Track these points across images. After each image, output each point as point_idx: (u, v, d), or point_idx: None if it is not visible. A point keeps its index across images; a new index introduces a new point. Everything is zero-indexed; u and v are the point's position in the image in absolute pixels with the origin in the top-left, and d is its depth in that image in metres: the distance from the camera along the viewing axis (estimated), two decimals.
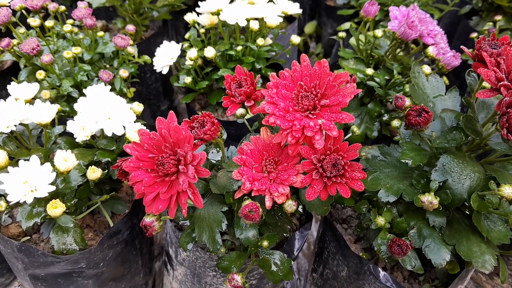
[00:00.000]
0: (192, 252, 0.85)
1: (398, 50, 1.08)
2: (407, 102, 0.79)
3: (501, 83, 0.66)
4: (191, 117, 0.66)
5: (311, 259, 1.17)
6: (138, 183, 0.63)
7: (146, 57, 1.23)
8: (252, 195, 0.68)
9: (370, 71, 0.99)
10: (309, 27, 1.82)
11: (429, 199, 0.68)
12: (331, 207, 1.02)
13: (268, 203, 0.68)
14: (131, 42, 1.15)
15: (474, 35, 1.33)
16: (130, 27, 1.17)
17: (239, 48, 1.08)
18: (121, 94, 1.07)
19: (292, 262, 0.80)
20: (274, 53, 1.21)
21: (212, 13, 1.09)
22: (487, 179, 0.78)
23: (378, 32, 1.00)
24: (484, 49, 0.73)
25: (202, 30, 1.15)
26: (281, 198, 0.68)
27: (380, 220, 0.79)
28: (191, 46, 1.18)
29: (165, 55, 1.14)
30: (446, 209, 0.81)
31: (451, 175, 0.75)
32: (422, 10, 1.47)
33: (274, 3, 1.15)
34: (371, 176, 0.80)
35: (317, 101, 0.67)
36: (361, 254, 0.89)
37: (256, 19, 1.09)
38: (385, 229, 0.81)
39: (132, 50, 1.12)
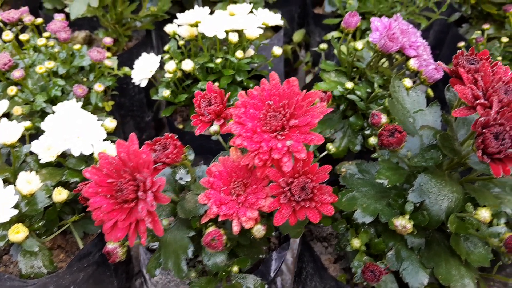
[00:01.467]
0: (164, 275, 0.82)
1: (383, 60, 1.06)
2: (383, 119, 0.76)
3: (478, 101, 0.64)
4: (153, 139, 0.63)
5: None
6: (97, 209, 0.61)
7: (127, 69, 1.21)
8: (219, 220, 0.65)
9: (349, 84, 0.97)
10: (298, 36, 1.80)
11: (403, 223, 0.65)
12: (312, 225, 0.99)
13: (235, 228, 0.65)
14: (108, 54, 1.13)
15: (461, 44, 1.31)
16: (108, 40, 1.14)
17: (219, 60, 1.05)
18: (97, 108, 1.05)
19: (266, 286, 0.78)
20: (256, 64, 1.18)
21: (191, 25, 1.07)
22: (466, 199, 0.75)
23: (359, 44, 0.97)
24: (461, 64, 0.70)
25: (181, 42, 1.12)
26: (249, 223, 0.65)
27: (356, 243, 0.76)
28: (171, 58, 1.16)
29: (144, 68, 1.12)
30: (425, 229, 0.78)
31: (429, 196, 0.72)
32: (410, 18, 1.44)
33: (254, 14, 1.12)
34: (347, 196, 0.78)
35: (285, 122, 0.64)
36: (340, 274, 0.86)
37: (236, 31, 1.07)
38: (361, 251, 0.78)
39: (110, 63, 1.09)
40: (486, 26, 1.31)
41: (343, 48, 1.08)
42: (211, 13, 1.12)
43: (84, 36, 1.51)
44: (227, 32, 1.05)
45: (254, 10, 1.13)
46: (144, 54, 1.13)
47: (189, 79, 1.13)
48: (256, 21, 1.07)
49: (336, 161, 0.90)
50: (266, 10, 1.12)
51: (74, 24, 1.57)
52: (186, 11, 1.09)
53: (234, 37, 1.03)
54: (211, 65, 1.06)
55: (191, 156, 0.69)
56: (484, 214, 0.63)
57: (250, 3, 1.34)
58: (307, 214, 0.64)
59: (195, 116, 0.72)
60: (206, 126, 0.72)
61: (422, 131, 0.76)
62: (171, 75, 1.09)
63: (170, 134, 0.63)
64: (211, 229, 0.63)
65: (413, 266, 0.75)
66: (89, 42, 1.56)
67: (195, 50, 1.17)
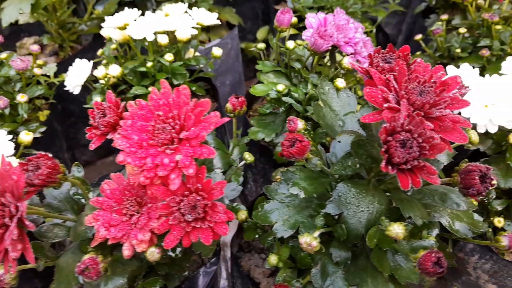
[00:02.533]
0: None
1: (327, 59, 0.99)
2: (300, 125, 0.70)
3: (386, 105, 0.57)
4: (27, 158, 0.58)
5: None
6: None
7: (65, 75, 1.15)
8: (109, 243, 0.60)
9: (280, 87, 0.90)
10: (262, 33, 1.73)
11: (307, 241, 0.59)
12: None
13: (126, 253, 0.59)
14: (40, 62, 1.07)
15: (418, 36, 1.23)
16: (35, 47, 1.09)
17: (150, 64, 0.99)
18: (24, 120, 1.00)
19: None
20: (201, 66, 1.12)
21: (120, 28, 1.01)
22: (393, 210, 0.69)
23: (290, 44, 0.91)
24: (376, 63, 0.64)
25: (113, 46, 1.07)
26: (141, 246, 0.60)
27: (273, 259, 0.70)
28: (108, 63, 1.10)
29: (77, 74, 1.06)
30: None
31: (347, 207, 0.66)
32: (366, 11, 1.37)
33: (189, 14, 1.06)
34: (264, 208, 0.72)
35: (175, 134, 0.58)
36: None
37: (167, 32, 1.01)
38: (285, 267, 0.72)
39: (39, 71, 1.04)
40: (444, 16, 1.24)
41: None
42: (142, 14, 1.06)
43: (32, 43, 1.46)
44: (157, 34, 0.99)
45: (188, 10, 1.07)
46: (77, 60, 1.07)
47: (124, 85, 1.08)
48: (189, 21, 1.01)
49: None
50: (202, 9, 1.06)
51: (24, 30, 1.52)
52: (116, 14, 1.03)
53: (163, 39, 0.97)
54: (142, 69, 1.00)
55: (79, 173, 0.63)
56: (397, 230, 0.57)
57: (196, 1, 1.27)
58: (200, 235, 0.58)
59: (89, 129, 0.66)
60: (102, 140, 0.67)
61: (340, 137, 0.69)
62: (104, 81, 1.03)
63: (44, 153, 0.57)
64: (87, 256, 0.57)
65: (337, 283, 0.69)
66: (41, 48, 1.51)
67: (132, 53, 1.11)
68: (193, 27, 1.02)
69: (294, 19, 0.97)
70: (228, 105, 0.71)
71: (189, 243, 0.59)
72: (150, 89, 1.03)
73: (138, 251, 0.60)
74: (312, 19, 0.92)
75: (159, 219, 0.60)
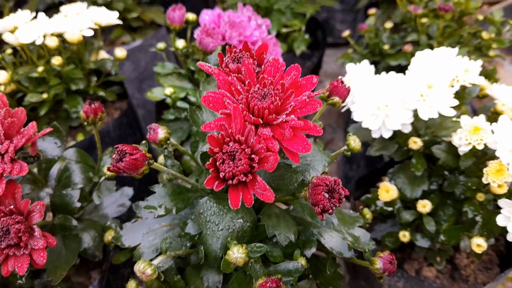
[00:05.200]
0: None
1: None
2: (162, 134, 0.62)
3: (221, 111, 0.50)
4: None
5: None
6: None
7: None
8: None
9: (168, 90, 0.83)
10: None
11: (141, 268, 0.52)
12: None
13: None
14: None
15: (346, 33, 1.16)
16: None
17: (40, 69, 0.92)
18: None
19: None
20: (108, 69, 1.05)
21: (11, 31, 0.94)
22: (262, 227, 0.62)
23: (179, 43, 0.84)
24: (226, 63, 0.57)
25: (9, 51, 0.99)
26: None
27: (131, 285, 0.63)
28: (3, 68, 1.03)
29: None
30: None
31: (207, 226, 0.59)
32: (295, 6, 1.30)
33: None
34: (124, 230, 0.65)
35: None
36: None
37: (59, 34, 0.94)
38: None
39: None
40: (372, 11, 1.17)
41: None
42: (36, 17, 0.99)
43: None
44: (44, 36, 0.92)
45: (85, 10, 0.99)
46: None
47: (22, 92, 1.00)
48: (84, 22, 0.94)
49: None
50: (103, 8, 0.98)
51: None
52: (6, 17, 0.96)
53: (51, 42, 0.90)
54: (35, 74, 0.93)
55: None
56: (236, 254, 0.50)
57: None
58: (16, 264, 0.51)
59: None
60: None
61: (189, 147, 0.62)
62: (2, 88, 0.96)
63: None
64: None
65: None
66: None
67: (34, 57, 1.04)
68: (90, 28, 0.95)
69: (193, 16, 0.89)
70: (81, 113, 0.64)
71: (8, 273, 0.52)
72: (44, 96, 0.96)
73: None
74: (206, 15, 0.85)
75: None
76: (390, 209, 0.81)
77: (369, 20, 1.18)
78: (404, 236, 0.75)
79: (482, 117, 0.65)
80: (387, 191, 0.73)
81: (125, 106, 1.11)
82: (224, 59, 0.56)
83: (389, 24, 1.10)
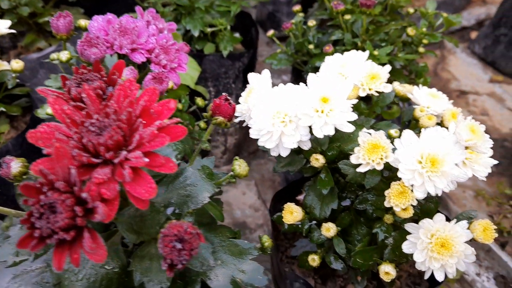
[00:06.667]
0: None
1: None
2: (15, 168, 0.54)
3: (45, 150, 0.42)
4: None
5: None
6: None
7: None
8: None
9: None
10: None
11: None
12: None
13: None
14: None
15: (270, 32, 1.08)
16: None
17: None
18: None
19: None
20: (8, 81, 0.94)
21: None
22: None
23: (62, 55, 0.74)
24: (69, 88, 0.48)
25: None
26: None
27: None
28: None
29: None
30: None
31: (65, 276, 0.51)
32: (219, 4, 1.21)
33: None
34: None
35: None
36: None
37: None
38: None
39: None
40: (296, 7, 1.09)
41: None
42: None
43: None
44: None
45: None
46: None
47: None
48: None
49: None
50: None
51: None
52: None
53: None
54: None
55: None
56: None
57: None
58: None
59: None
60: None
61: None
62: None
63: None
64: None
65: None
66: None
67: None
68: None
69: (85, 23, 0.80)
70: None
71: None
72: None
73: None
74: (96, 22, 0.76)
75: None
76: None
77: (297, 17, 1.11)
78: (313, 260, 0.69)
79: (381, 133, 0.59)
80: (291, 212, 0.67)
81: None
82: (66, 82, 0.48)
83: (313, 22, 1.03)
